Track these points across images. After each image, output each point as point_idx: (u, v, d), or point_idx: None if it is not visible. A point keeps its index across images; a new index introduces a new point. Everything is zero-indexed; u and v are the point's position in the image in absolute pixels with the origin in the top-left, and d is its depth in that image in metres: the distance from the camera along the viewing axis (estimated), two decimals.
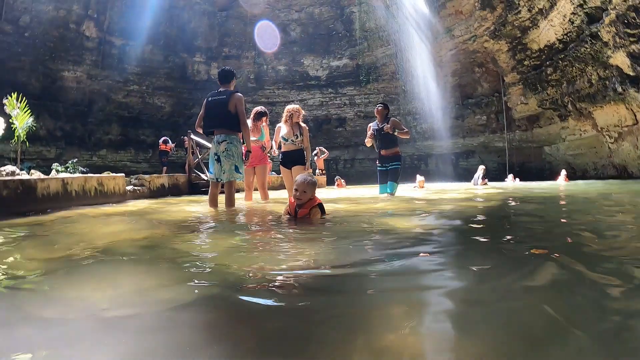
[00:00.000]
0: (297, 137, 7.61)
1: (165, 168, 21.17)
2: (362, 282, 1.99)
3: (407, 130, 8.51)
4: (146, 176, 11.10)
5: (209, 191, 6.59)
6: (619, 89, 15.49)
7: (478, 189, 13.31)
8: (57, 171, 10.83)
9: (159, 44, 26.33)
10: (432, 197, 9.07)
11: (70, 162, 11.63)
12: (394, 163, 8.68)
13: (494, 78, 24.01)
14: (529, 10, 18.53)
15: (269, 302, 1.67)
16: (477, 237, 3.29)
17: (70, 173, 10.02)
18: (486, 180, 17.26)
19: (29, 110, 10.96)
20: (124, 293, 1.83)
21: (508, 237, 3.38)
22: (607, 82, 16.09)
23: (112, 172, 9.52)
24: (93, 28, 23.37)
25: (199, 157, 13.10)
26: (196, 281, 1.98)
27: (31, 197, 6.14)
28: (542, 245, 2.68)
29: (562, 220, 4.73)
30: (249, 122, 7.80)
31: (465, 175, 23.87)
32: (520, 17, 19.19)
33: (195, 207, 6.99)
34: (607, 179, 17.00)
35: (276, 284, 1.92)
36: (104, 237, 3.50)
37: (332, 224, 4.12)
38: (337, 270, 2.17)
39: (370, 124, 8.91)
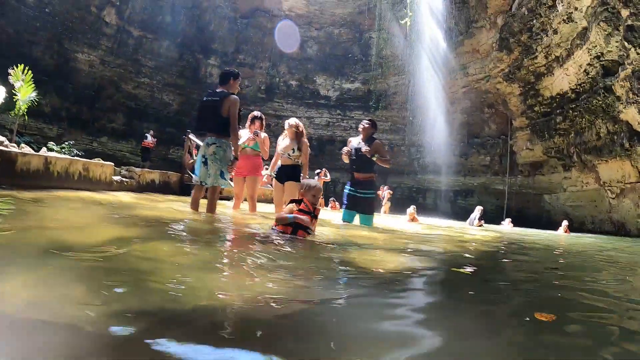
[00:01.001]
0: (293, 152, 7.29)
1: (146, 164, 20.74)
2: (302, 332, 1.59)
3: (388, 159, 7.69)
4: (137, 169, 10.92)
5: (192, 194, 6.44)
6: (627, 145, 15.44)
7: (473, 230, 13.17)
8: (50, 149, 10.70)
9: (176, 41, 26.51)
10: (424, 231, 8.70)
11: (66, 143, 11.52)
12: (367, 192, 7.61)
13: (502, 120, 24.07)
14: (546, 57, 18.65)
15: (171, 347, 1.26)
16: (465, 290, 2.84)
17: (64, 154, 9.89)
18: (482, 221, 17.01)
19: (32, 84, 10.88)
20: None
21: (501, 294, 2.87)
22: (615, 137, 16.06)
23: (110, 161, 9.42)
24: (114, 15, 23.55)
25: (194, 158, 12.95)
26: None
27: (9, 170, 6.05)
28: (547, 307, 2.23)
29: (565, 280, 3.79)
30: (245, 130, 7.63)
31: (462, 214, 23.69)
32: (536, 63, 19.30)
33: (177, 206, 6.89)
34: (604, 234, 16.83)
35: (201, 322, 1.54)
36: (62, 226, 3.37)
37: (304, 251, 3.74)
38: (279, 310, 1.78)
39: (351, 139, 7.95)
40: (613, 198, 17.18)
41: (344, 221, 7.69)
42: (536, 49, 18.97)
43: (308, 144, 7.59)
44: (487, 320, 2.03)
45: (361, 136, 7.68)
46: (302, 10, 29.26)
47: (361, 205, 7.60)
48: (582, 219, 19.26)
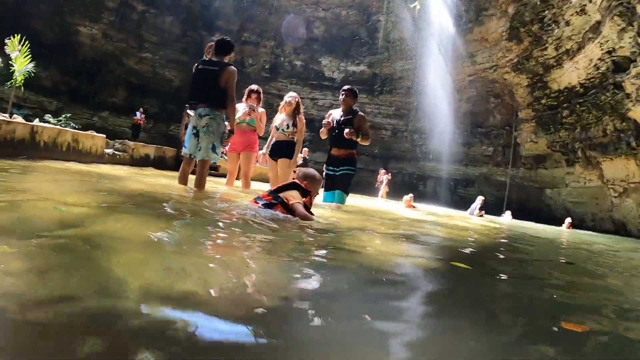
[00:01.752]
0: (288, 127, 7.04)
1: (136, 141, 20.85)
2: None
3: (369, 136, 6.91)
4: (131, 142, 10.76)
5: (180, 167, 6.01)
6: (633, 144, 15.20)
7: (473, 220, 13.00)
8: (45, 122, 10.51)
9: (180, 17, 26.07)
10: (424, 217, 8.49)
11: (63, 116, 11.32)
12: (345, 167, 6.91)
13: (508, 111, 23.75)
14: (556, 49, 18.26)
15: None
16: (471, 287, 2.41)
17: (61, 127, 9.68)
18: (483, 212, 16.89)
19: (29, 55, 10.63)
20: None
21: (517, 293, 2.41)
22: (622, 135, 15.79)
23: (110, 136, 9.25)
24: None
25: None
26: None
27: None
28: (573, 313, 1.93)
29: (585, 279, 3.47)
30: (241, 104, 7.30)
31: (462, 203, 23.55)
32: (545, 54, 18.92)
33: (166, 180, 6.69)
34: (603, 233, 16.65)
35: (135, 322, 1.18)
36: (36, 196, 3.16)
37: (296, 232, 3.35)
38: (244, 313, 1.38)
39: (331, 111, 7.28)
40: (616, 197, 16.98)
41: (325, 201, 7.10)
42: (547, 40, 18.57)
43: (304, 121, 7.26)
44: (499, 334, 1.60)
45: (342, 107, 7.00)
46: None
47: (338, 181, 6.96)
48: (583, 215, 19.08)
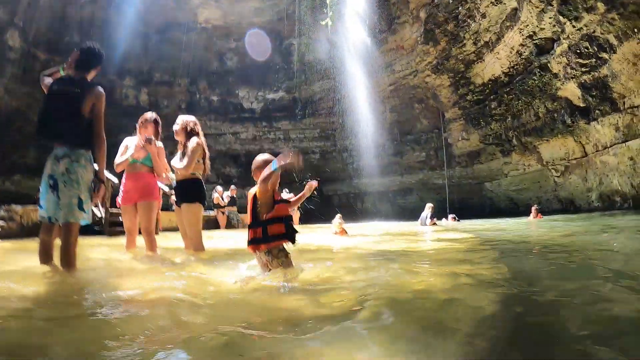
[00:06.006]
0: (182, 162, 5.43)
1: None
2: None
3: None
4: (19, 207, 8.44)
5: (39, 238, 4.02)
6: (568, 121, 15.52)
7: (428, 230, 12.48)
8: None
9: None
10: (376, 247, 6.67)
11: None
12: None
13: (434, 114, 23.98)
14: (475, 43, 18.60)
15: None
16: None
17: None
18: (435, 219, 16.17)
19: None
20: None
21: None
22: (555, 115, 16.14)
23: (25, 201, 7.60)
24: (17, 38, 21.14)
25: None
26: None
27: None
28: None
29: None
30: (134, 138, 5.72)
31: (405, 213, 23.34)
32: (465, 51, 19.22)
33: (26, 261, 4.34)
34: (552, 214, 16.80)
35: None
36: None
37: None
38: None
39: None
40: (558, 176, 17.29)
41: None
42: (464, 37, 18.87)
43: (200, 142, 5.49)
44: None
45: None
46: (218, 22, 27.81)
47: None
48: (528, 201, 19.31)
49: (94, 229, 9.72)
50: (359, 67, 25.48)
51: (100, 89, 4.02)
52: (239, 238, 9.37)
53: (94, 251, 5.89)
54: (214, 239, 9.73)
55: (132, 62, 26.24)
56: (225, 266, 4.15)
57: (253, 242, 3.37)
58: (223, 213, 16.39)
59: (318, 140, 29.39)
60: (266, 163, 3.40)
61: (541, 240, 6.89)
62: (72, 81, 4.03)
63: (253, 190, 3.49)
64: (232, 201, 17.30)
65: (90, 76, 4.23)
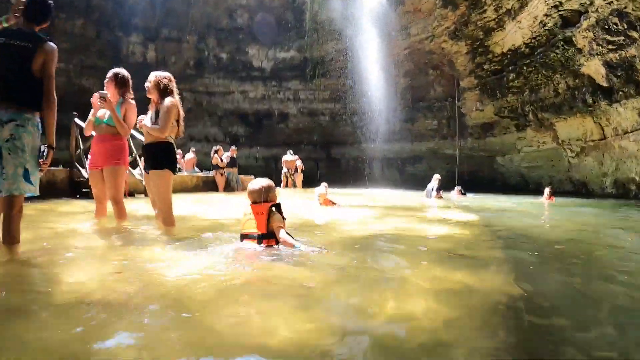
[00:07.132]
0: (152, 122, 4.82)
1: None
2: None
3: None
4: None
5: None
6: (589, 101, 14.62)
7: (432, 204, 11.80)
8: None
9: (92, 18, 23.48)
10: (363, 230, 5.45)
11: None
12: None
13: (449, 82, 22.97)
14: (496, 10, 17.44)
15: None
16: None
17: None
18: (441, 192, 15.31)
19: None
20: None
21: None
22: (576, 93, 15.20)
23: None
24: None
25: (81, 147, 10.10)
26: None
27: None
28: None
29: None
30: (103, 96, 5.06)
31: (413, 181, 22.70)
32: (485, 17, 18.09)
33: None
34: (563, 195, 15.97)
35: None
36: None
37: None
38: None
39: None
40: (573, 157, 16.51)
41: None
42: (485, 2, 17.66)
43: (176, 102, 4.81)
44: None
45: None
46: None
47: None
48: (539, 179, 18.62)
49: (82, 191, 9.36)
50: (373, 29, 24.40)
51: (52, 45, 3.61)
52: (232, 204, 8.90)
53: (61, 219, 5.57)
54: (205, 204, 9.39)
55: (138, 17, 25.33)
56: (188, 250, 3.53)
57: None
58: (222, 174, 15.58)
59: (328, 102, 28.57)
60: (271, 189, 3.79)
61: (558, 236, 5.64)
62: (22, 33, 3.58)
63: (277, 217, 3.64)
64: (232, 162, 16.30)
65: (40, 28, 3.76)
